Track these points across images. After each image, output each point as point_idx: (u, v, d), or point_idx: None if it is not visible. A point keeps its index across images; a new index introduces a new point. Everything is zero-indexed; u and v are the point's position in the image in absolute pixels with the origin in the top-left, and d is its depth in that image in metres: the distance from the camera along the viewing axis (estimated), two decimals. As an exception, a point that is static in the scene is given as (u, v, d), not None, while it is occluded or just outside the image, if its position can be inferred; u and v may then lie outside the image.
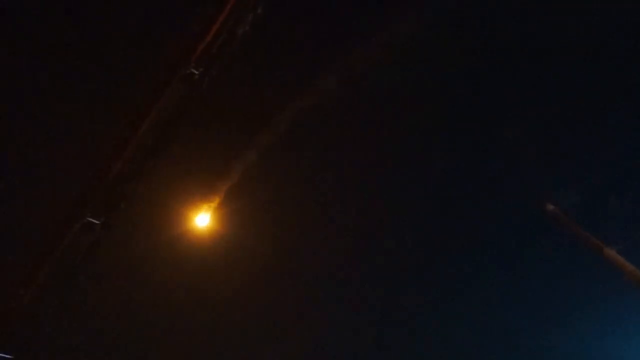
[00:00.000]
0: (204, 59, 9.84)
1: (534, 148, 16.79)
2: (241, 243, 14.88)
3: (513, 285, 17.74)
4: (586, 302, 17.53)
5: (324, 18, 14.43)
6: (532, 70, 15.74)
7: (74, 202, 10.20)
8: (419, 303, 17.84)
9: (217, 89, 10.32)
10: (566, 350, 17.71)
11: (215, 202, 13.64)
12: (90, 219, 10.15)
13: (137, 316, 14.58)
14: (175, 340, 15.44)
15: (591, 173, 16.72)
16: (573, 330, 17.68)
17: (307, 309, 16.89)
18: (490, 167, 17.01)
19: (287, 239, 15.76)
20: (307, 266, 16.50)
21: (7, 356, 9.58)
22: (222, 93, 10.98)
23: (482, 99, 16.12)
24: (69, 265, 10.21)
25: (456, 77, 15.60)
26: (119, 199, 10.30)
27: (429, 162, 16.91)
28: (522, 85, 15.94)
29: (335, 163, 16.19)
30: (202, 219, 13.50)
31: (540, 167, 16.80)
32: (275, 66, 14.03)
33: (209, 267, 14.66)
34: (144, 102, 9.96)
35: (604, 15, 14.47)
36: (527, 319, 17.86)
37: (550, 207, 16.19)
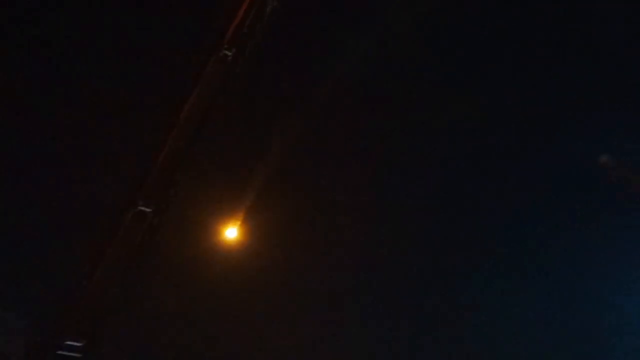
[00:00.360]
0: (235, 39, 10.16)
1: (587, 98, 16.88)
2: (267, 254, 15.71)
3: (571, 243, 17.70)
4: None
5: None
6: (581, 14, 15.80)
7: (126, 192, 10.52)
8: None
9: (250, 70, 10.66)
10: (630, 310, 17.58)
11: (241, 216, 14.64)
12: (142, 208, 10.45)
13: (183, 315, 15.17)
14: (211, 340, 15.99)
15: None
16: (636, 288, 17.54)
17: (332, 318, 17.29)
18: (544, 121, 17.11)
19: (310, 250, 16.40)
20: (331, 275, 17.06)
21: (76, 344, 9.85)
22: (254, 74, 11.34)
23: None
24: (126, 256, 10.48)
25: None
26: (167, 186, 10.59)
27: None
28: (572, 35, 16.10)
29: (357, 171, 16.85)
30: (231, 232, 14.59)
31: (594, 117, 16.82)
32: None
33: (238, 276, 15.38)
34: (183, 88, 10.31)
35: None
36: (588, 278, 17.71)
37: (604, 158, 16.20)
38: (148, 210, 10.47)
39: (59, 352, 9.88)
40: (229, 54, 10.29)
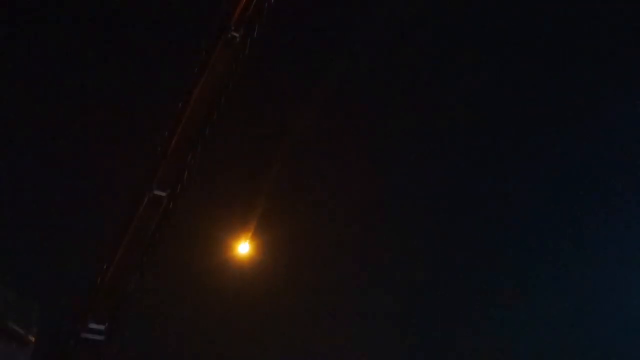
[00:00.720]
0: (242, 21, 10.14)
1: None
2: (279, 266, 16.71)
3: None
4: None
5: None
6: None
7: (141, 178, 10.66)
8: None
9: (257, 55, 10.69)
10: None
11: (251, 232, 15.50)
12: (157, 192, 10.58)
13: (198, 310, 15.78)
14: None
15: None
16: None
17: (342, 327, 17.69)
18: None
19: (320, 261, 16.87)
20: (340, 286, 17.56)
21: (99, 327, 10.10)
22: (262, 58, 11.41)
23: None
24: (143, 239, 10.65)
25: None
26: (181, 170, 10.70)
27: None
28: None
29: (365, 183, 17.22)
30: (244, 247, 15.34)
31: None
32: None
33: (251, 287, 16.38)
34: (193, 72, 10.35)
35: None
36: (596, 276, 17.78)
37: None
38: (163, 194, 10.62)
39: (83, 335, 10.17)
40: (237, 35, 10.29)
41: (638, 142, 17.60)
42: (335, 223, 17.58)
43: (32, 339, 11.33)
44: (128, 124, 12.31)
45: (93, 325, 10.09)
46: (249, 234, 15.05)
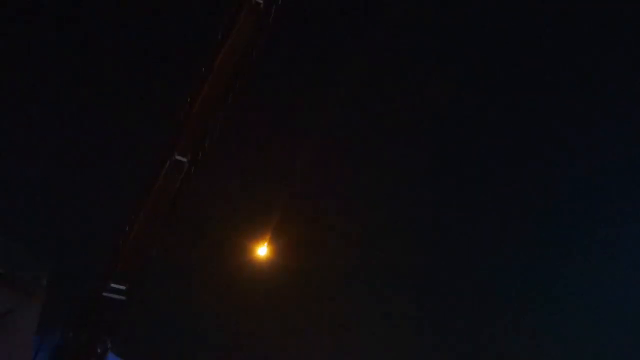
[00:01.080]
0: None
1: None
2: (296, 268, 17.67)
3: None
4: None
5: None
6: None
7: (162, 143, 10.78)
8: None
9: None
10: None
11: (269, 236, 16.75)
12: (178, 157, 10.71)
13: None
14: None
15: None
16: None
17: (358, 326, 18.03)
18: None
19: (334, 266, 17.38)
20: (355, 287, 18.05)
21: (121, 287, 10.36)
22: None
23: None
24: (165, 204, 10.83)
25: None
26: (202, 135, 10.80)
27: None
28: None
29: (378, 186, 17.44)
30: (262, 250, 16.53)
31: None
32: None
33: (270, 285, 17.44)
34: (216, 39, 10.35)
35: None
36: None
37: None
38: (184, 160, 10.74)
39: (105, 294, 10.44)
40: (260, 2, 10.24)
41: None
42: (351, 227, 18.25)
43: (41, 294, 11.53)
44: (153, 89, 12.37)
45: (115, 285, 10.36)
46: (267, 238, 16.45)
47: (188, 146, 10.72)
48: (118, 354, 12.74)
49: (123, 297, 10.57)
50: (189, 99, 10.62)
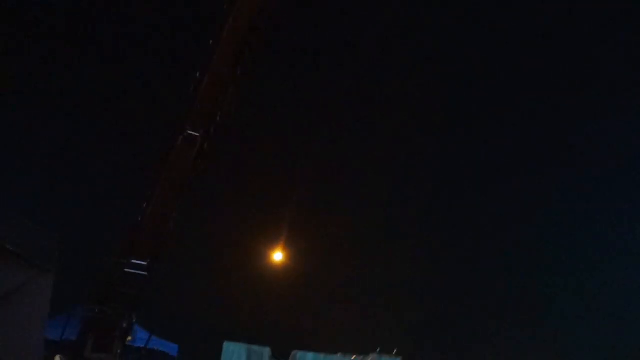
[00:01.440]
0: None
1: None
2: (310, 271, 18.86)
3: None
4: None
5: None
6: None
7: (175, 120, 10.87)
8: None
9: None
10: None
11: (283, 242, 17.91)
12: (190, 132, 10.79)
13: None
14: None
15: None
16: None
17: (365, 326, 18.50)
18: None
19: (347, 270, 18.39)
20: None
21: (142, 262, 10.57)
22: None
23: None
24: (180, 177, 10.95)
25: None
26: (213, 109, 10.86)
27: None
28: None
29: (388, 190, 17.62)
30: (278, 255, 17.70)
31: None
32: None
33: (285, 286, 18.47)
34: (222, 15, 10.35)
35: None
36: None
37: None
38: (196, 134, 10.82)
39: (127, 269, 10.66)
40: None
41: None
42: (361, 232, 19.15)
43: (53, 269, 11.75)
44: (165, 66, 12.46)
45: (136, 261, 10.57)
46: (282, 244, 17.70)
47: (200, 121, 10.81)
48: (143, 327, 13.08)
49: (144, 273, 10.79)
50: (198, 74, 10.68)
